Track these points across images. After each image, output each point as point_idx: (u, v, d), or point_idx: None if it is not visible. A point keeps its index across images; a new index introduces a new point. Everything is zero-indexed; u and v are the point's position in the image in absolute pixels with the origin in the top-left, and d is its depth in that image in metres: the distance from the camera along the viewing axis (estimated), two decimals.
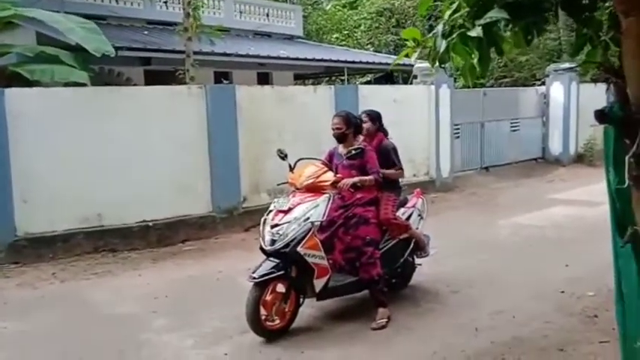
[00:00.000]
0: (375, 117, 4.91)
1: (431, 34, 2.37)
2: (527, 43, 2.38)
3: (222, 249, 7.08)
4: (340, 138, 4.64)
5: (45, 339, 4.37)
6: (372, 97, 9.27)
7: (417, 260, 5.17)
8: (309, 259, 4.14)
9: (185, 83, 9.14)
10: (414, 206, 5.13)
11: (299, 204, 4.23)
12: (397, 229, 4.73)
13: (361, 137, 4.74)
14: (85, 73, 7.66)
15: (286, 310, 4.23)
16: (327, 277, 4.28)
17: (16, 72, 7.43)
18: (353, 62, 15.03)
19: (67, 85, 7.65)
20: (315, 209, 4.21)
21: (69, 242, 6.71)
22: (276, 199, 4.40)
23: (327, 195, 4.34)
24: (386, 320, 4.37)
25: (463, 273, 5.62)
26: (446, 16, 2.28)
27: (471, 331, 4.23)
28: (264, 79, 14.34)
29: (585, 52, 2.47)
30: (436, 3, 2.58)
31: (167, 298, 5.22)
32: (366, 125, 4.82)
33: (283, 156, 4.62)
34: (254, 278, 4.04)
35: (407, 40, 2.45)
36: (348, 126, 4.59)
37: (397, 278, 5.04)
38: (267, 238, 4.13)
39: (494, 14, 2.05)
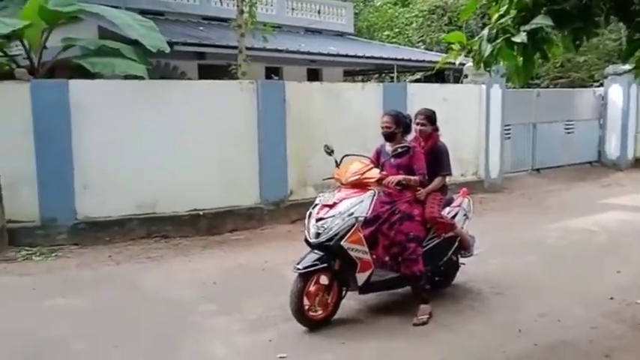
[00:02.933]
0: (432, 118, 4.88)
1: (477, 38, 2.40)
2: (576, 48, 2.36)
3: (269, 240, 7.25)
4: (389, 136, 4.67)
5: (99, 316, 4.64)
6: (420, 95, 9.22)
7: (461, 260, 5.16)
8: (352, 253, 4.20)
9: (237, 78, 9.37)
10: (459, 205, 5.08)
11: (344, 199, 4.29)
12: (442, 227, 4.71)
13: (409, 137, 4.76)
14: (143, 67, 7.97)
15: (329, 301, 4.32)
16: (370, 271, 4.33)
17: (79, 64, 7.82)
18: (403, 60, 14.97)
19: (126, 77, 8.00)
20: (360, 205, 4.27)
21: (124, 227, 7.05)
22: (321, 194, 4.49)
23: (372, 191, 4.38)
24: (427, 317, 4.39)
25: (508, 275, 5.57)
26: (493, 19, 2.30)
27: (513, 332, 4.20)
28: (313, 75, 14.46)
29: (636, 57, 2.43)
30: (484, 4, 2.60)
31: (215, 284, 5.42)
32: (423, 127, 4.82)
33: (330, 151, 4.70)
34: (298, 269, 4.16)
35: (452, 43, 2.48)
36: (398, 125, 4.63)
37: (440, 276, 5.05)
38: (312, 231, 4.23)
39: (539, 21, 2.06)
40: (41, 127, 6.69)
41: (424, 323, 4.34)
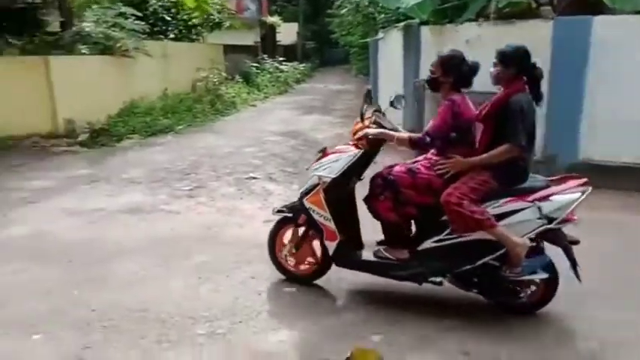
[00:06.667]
0: (510, 58, 3.41)
1: None
2: None
3: None
4: (433, 85, 3.68)
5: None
6: None
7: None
8: (314, 216, 3.86)
9: None
10: (540, 199, 3.39)
11: (331, 154, 3.91)
12: (459, 220, 3.38)
13: (463, 90, 3.62)
14: None
15: (301, 256, 4.08)
16: (335, 242, 3.81)
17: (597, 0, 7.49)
18: None
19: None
20: (333, 164, 3.82)
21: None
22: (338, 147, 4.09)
23: (356, 152, 3.79)
24: (388, 256, 3.77)
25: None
26: None
27: None
28: None
29: None
30: None
31: None
32: (496, 70, 3.45)
33: (392, 102, 3.96)
34: (273, 210, 4.14)
35: None
36: (445, 72, 3.56)
37: (476, 288, 3.68)
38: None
39: None
40: (557, 64, 6.78)
41: (381, 258, 3.76)
